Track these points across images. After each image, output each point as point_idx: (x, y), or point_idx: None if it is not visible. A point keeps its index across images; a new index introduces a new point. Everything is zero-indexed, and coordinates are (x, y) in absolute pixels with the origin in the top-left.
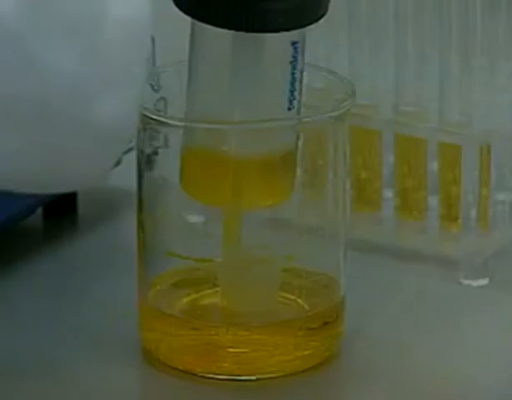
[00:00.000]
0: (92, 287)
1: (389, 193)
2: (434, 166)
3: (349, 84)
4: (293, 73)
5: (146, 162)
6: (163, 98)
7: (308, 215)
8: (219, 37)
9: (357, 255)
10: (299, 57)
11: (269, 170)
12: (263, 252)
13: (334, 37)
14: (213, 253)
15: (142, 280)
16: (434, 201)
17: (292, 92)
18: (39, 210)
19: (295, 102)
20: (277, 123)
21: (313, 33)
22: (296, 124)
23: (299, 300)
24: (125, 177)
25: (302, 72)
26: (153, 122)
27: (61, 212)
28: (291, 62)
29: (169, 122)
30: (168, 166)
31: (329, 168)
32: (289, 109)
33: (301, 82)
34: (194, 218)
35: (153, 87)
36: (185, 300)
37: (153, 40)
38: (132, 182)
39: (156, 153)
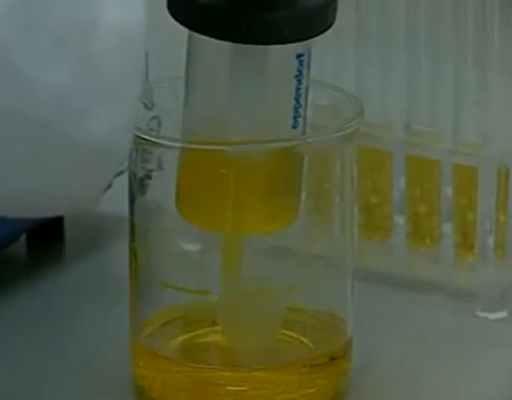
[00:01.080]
0: (81, 321)
1: (399, 219)
2: (448, 190)
3: (357, 102)
4: (298, 89)
5: (138, 186)
6: (156, 117)
7: (312, 243)
8: (218, 50)
9: (365, 286)
10: (305, 71)
11: (273, 193)
12: (264, 284)
13: (341, 50)
14: (211, 284)
15: (134, 314)
16: (448, 228)
17: (297, 108)
18: (23, 237)
19: (300, 120)
20: (279, 144)
21: (317, 46)
22: (301, 145)
23: (303, 338)
24: (116, 201)
25: (307, 88)
26: (145, 142)
27: (46, 240)
28: (296, 77)
29: (163, 142)
30: (162, 190)
31: (336, 192)
32: (294, 127)
33: (306, 98)
34: (190, 246)
35: (145, 104)
36: (180, 339)
37: (145, 53)
38: (123, 208)
39: (149, 176)
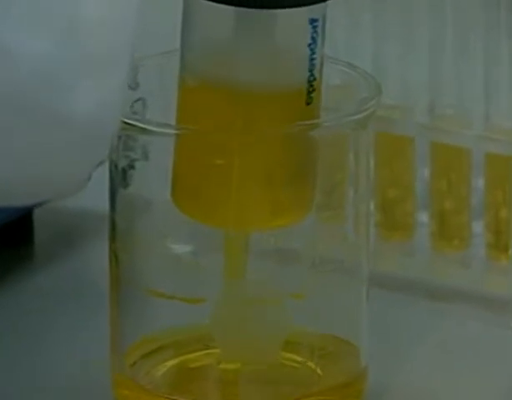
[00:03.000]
0: (52, 336)
1: (423, 217)
2: (479, 182)
3: (374, 81)
4: (312, 59)
5: (120, 178)
6: (141, 99)
7: (321, 244)
8: (221, 16)
9: (383, 293)
10: (319, 39)
11: (282, 182)
12: (266, 291)
13: (355, 21)
14: (205, 291)
15: (115, 329)
16: (479, 226)
17: (311, 82)
18: None
19: (314, 95)
20: (288, 128)
21: (327, 15)
22: (315, 128)
23: (310, 363)
24: (94, 195)
25: (322, 58)
26: (128, 127)
27: (14, 241)
28: (309, 46)
29: (149, 128)
30: (148, 182)
31: (349, 185)
32: (308, 103)
33: (321, 70)
34: (181, 248)
35: (129, 84)
36: (169, 364)
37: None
38: (103, 203)
39: (132, 167)
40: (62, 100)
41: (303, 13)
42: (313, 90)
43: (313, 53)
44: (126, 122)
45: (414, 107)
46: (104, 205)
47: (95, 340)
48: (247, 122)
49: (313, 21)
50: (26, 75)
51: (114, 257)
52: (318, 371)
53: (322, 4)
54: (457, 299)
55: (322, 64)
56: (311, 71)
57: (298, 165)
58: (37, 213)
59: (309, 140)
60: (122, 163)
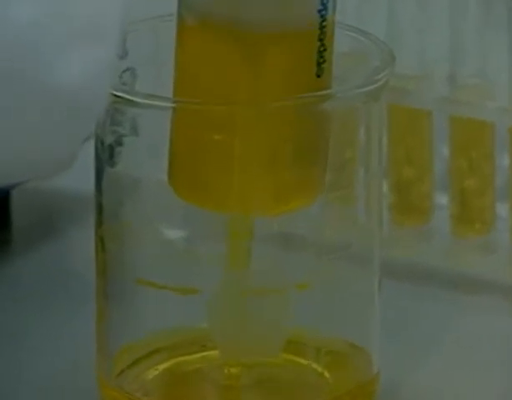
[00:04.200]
0: (33, 330)
1: (442, 198)
2: (503, 160)
3: (387, 48)
4: (322, 26)
5: (107, 156)
6: (130, 69)
7: (329, 229)
8: None
9: (397, 284)
10: (330, 4)
11: (291, 161)
12: (268, 280)
13: None
14: (200, 281)
15: (102, 323)
16: (503, 208)
17: (321, 52)
18: None
19: (325, 67)
20: (293, 100)
21: None
22: (326, 100)
23: (316, 365)
24: (78, 175)
25: (333, 25)
26: (116, 100)
27: None
28: (319, 11)
29: (139, 100)
30: (137, 160)
31: (360, 163)
32: (318, 75)
33: (332, 39)
34: (174, 233)
35: (117, 53)
36: (162, 367)
37: None
38: (88, 183)
39: (120, 143)
40: (47, 71)
41: None
42: (324, 61)
43: (324, 20)
44: (113, 94)
45: (432, 78)
46: (89, 186)
47: (81, 335)
48: (249, 77)
49: None
50: (11, 42)
51: (100, 243)
52: (326, 374)
53: None
54: (480, 290)
55: (333, 32)
56: (321, 40)
57: (306, 142)
58: (15, 195)
59: (319, 114)
60: (109, 139)
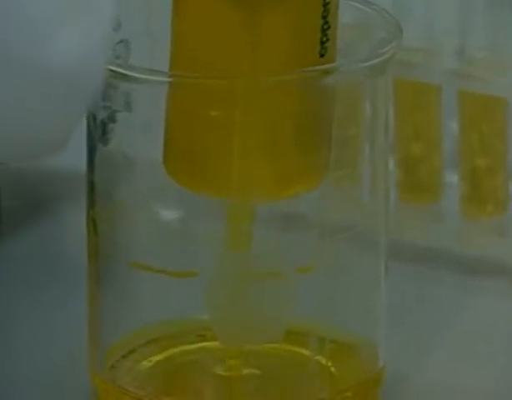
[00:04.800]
0: (22, 316)
1: (451, 177)
2: None
3: (393, 19)
4: (325, 3)
5: (100, 133)
6: (123, 41)
7: (332, 209)
8: None
9: (405, 267)
10: None
11: (293, 142)
12: (269, 263)
13: None
14: (198, 264)
15: (94, 309)
16: None
17: (325, 30)
18: None
19: (328, 45)
20: (297, 75)
21: None
22: (329, 74)
23: (320, 358)
24: (69, 153)
25: (337, 2)
26: (108, 74)
27: None
28: None
29: (132, 74)
30: (131, 137)
31: (365, 140)
32: (322, 55)
33: (336, 17)
34: (170, 214)
35: None
36: (156, 359)
37: None
38: (79, 162)
39: (113, 119)
40: (40, 49)
41: None
42: (327, 40)
43: None
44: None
45: (441, 50)
46: (81, 164)
47: (72, 320)
48: (250, 49)
49: None
50: (2, 18)
51: (92, 224)
52: (330, 366)
53: None
54: (492, 273)
55: (337, 9)
56: (324, 18)
57: (309, 120)
58: (2, 175)
59: (323, 90)
60: (102, 115)
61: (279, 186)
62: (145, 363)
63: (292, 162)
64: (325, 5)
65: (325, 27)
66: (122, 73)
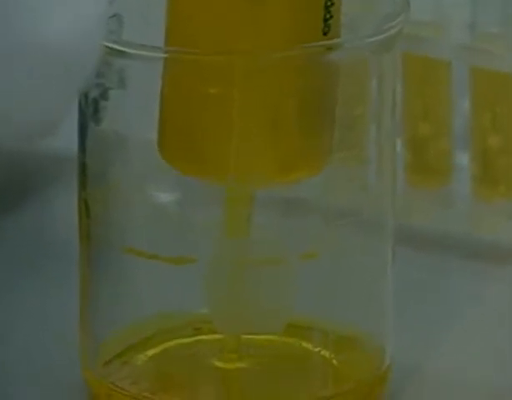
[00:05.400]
0: (11, 304)
1: (462, 158)
2: None
3: None
4: None
5: (92, 111)
6: (116, 15)
7: (336, 192)
8: None
9: (413, 254)
10: None
11: (295, 123)
12: (270, 249)
13: None
14: (195, 250)
15: (85, 298)
16: None
17: (328, 8)
18: None
19: (332, 23)
20: (299, 51)
21: None
22: (332, 50)
23: (324, 352)
24: (59, 133)
25: None
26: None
27: None
28: None
29: (126, 50)
30: (125, 115)
31: (371, 120)
32: (325, 33)
33: None
34: (166, 196)
35: None
36: (151, 353)
37: None
38: (70, 142)
39: (106, 97)
40: (36, 28)
41: None
42: (331, 17)
43: None
44: None
45: (451, 24)
46: (72, 144)
47: (63, 311)
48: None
49: None
50: None
51: (84, 207)
52: (334, 362)
53: None
54: (505, 259)
55: None
56: None
57: (312, 100)
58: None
59: (326, 67)
60: (94, 93)
61: (280, 170)
62: (140, 358)
63: (293, 144)
64: None
65: (328, 3)
66: (115, 49)
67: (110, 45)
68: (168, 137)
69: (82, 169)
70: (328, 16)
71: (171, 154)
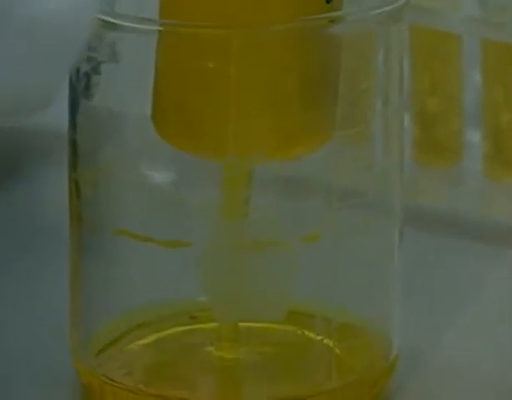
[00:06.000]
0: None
1: (473, 135)
2: None
3: None
4: None
5: (83, 86)
6: None
7: (340, 171)
8: None
9: (421, 235)
10: None
11: (296, 96)
12: (270, 231)
13: None
14: (191, 233)
15: (76, 283)
16: None
17: None
18: None
19: None
20: (300, 24)
21: None
22: (333, 25)
23: (327, 341)
24: (50, 109)
25: None
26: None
27: None
28: None
29: (120, 22)
30: (118, 91)
31: (377, 95)
32: (328, 1)
33: None
34: (160, 176)
35: None
36: (145, 342)
37: None
38: (60, 118)
39: (98, 72)
40: (30, 1)
41: None
42: None
43: None
44: None
45: None
46: (62, 121)
47: (54, 295)
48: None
49: None
50: None
51: (75, 188)
52: (338, 351)
53: None
54: None
55: None
56: None
57: (314, 74)
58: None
59: (329, 40)
60: (86, 67)
61: (280, 145)
62: (134, 348)
63: (294, 119)
64: None
65: None
66: (107, 21)
67: (102, 17)
68: (163, 112)
69: (73, 147)
70: None
71: (167, 130)
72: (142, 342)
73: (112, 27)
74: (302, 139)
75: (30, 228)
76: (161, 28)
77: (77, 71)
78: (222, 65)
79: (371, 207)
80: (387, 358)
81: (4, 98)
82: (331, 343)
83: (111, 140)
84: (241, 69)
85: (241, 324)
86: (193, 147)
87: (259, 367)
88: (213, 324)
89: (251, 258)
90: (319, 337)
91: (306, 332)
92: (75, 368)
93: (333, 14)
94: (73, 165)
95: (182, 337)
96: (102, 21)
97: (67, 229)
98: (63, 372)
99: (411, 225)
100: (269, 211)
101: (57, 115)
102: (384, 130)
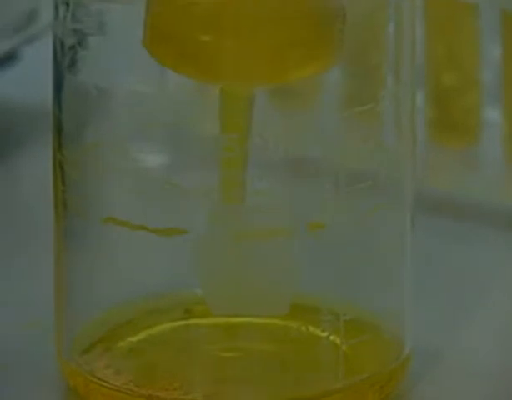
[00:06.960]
0: None
1: (492, 114)
2: None
3: None
4: None
5: (68, 61)
6: None
7: (348, 152)
8: None
9: (435, 222)
10: None
11: (300, 11)
12: (272, 218)
13: None
14: (185, 220)
15: (60, 276)
16: None
17: None
18: None
19: None
20: None
21: None
22: None
23: (334, 337)
24: (30, 84)
25: None
26: None
27: None
28: None
29: None
30: (105, 65)
31: (388, 70)
32: None
33: None
34: (152, 159)
35: None
36: (136, 339)
37: None
38: (43, 94)
39: (84, 45)
40: None
41: None
42: None
43: None
44: None
45: None
46: (45, 98)
47: (35, 289)
48: None
49: None
50: None
51: (60, 170)
52: (345, 348)
53: None
54: None
55: None
56: None
57: None
58: None
59: None
60: (71, 41)
61: (282, 64)
62: (123, 344)
63: (297, 34)
64: None
65: None
66: None
67: None
68: (157, 32)
69: (58, 127)
70: None
71: (161, 51)
72: (132, 338)
73: None
74: (305, 57)
75: (8, 216)
76: None
77: (62, 44)
78: None
79: (381, 191)
80: (398, 357)
81: None
82: (338, 340)
83: (98, 119)
84: None
85: (240, 319)
86: (189, 69)
87: (259, 367)
88: (210, 319)
89: (252, 247)
90: (325, 334)
91: (311, 328)
92: (60, 367)
93: None
94: (58, 145)
95: (175, 333)
96: None
97: (50, 219)
98: (48, 372)
99: (424, 210)
100: (272, 195)
101: (38, 91)
102: (396, 108)
